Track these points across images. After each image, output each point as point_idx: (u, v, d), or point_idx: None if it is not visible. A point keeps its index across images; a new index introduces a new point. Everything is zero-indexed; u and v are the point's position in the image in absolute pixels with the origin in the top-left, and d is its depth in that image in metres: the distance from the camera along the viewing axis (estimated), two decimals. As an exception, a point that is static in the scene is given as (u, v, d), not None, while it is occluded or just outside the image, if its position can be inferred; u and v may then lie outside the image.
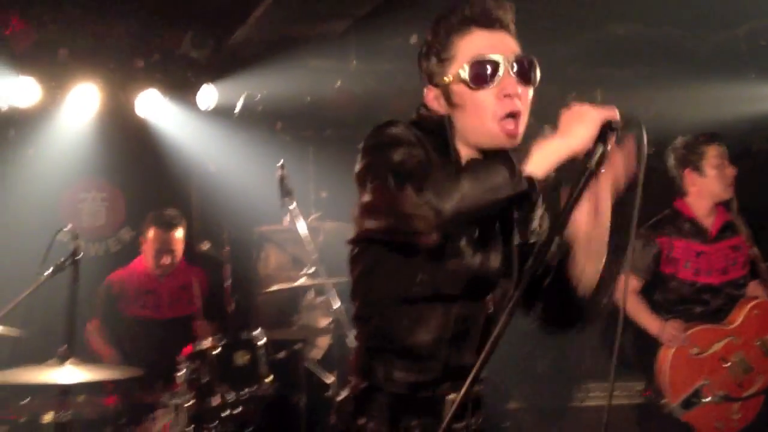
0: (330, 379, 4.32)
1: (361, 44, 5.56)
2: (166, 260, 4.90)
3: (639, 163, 1.79)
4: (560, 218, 1.78)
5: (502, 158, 1.80)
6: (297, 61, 5.48)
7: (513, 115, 1.94)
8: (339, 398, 2.14)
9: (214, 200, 5.86)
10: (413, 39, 5.46)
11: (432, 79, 2.04)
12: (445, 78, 1.99)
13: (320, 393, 4.45)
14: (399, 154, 1.84)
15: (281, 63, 5.37)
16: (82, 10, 5.06)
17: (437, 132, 2.01)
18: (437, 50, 2.01)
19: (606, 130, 1.76)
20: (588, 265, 1.99)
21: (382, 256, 2.00)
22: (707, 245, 4.07)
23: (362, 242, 2.06)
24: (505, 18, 1.99)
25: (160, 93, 5.56)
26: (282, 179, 4.22)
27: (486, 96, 1.95)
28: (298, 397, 4.44)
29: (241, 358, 4.05)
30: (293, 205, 4.22)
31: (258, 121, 5.86)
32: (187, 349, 4.07)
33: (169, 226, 4.90)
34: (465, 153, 2.02)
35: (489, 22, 1.98)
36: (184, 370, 3.94)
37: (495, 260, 2.04)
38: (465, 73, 1.95)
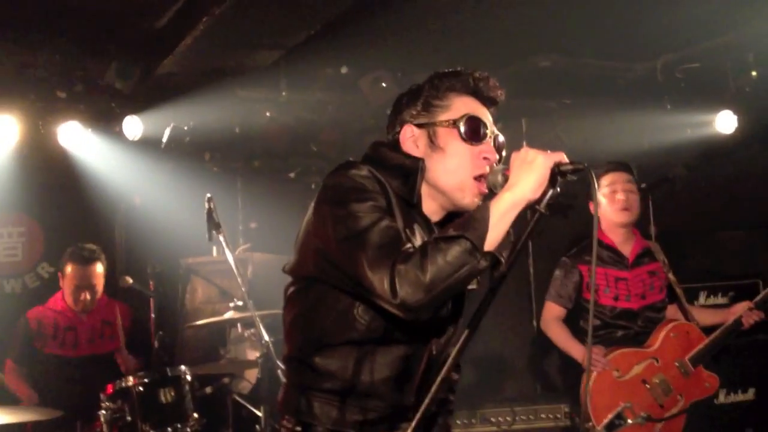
0: (260, 412, 4.24)
1: (291, 75, 5.55)
2: (86, 296, 4.76)
3: (593, 204, 1.98)
4: (508, 261, 1.89)
5: (463, 236, 1.81)
6: (226, 92, 5.44)
7: (484, 177, 2.04)
8: None
9: (140, 233, 5.75)
10: (344, 69, 5.48)
11: (412, 120, 2.11)
12: (435, 120, 2.07)
13: (248, 427, 4.37)
14: (366, 215, 1.87)
15: (210, 93, 5.32)
16: (0, 39, 4.93)
17: (404, 174, 2.04)
18: (429, 96, 2.11)
19: (555, 174, 1.86)
20: None
21: (329, 296, 1.98)
22: (626, 271, 4.18)
23: (305, 280, 2.04)
24: (498, 101, 2.16)
25: (83, 124, 5.43)
26: (210, 212, 4.17)
27: (468, 150, 2.05)
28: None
29: (166, 395, 3.94)
30: (222, 238, 4.17)
31: (186, 153, 5.76)
32: (110, 388, 3.95)
33: (87, 260, 4.76)
34: (426, 202, 2.08)
35: (485, 99, 2.14)
36: (106, 410, 3.82)
37: (446, 306, 2.06)
38: (461, 122, 2.05)
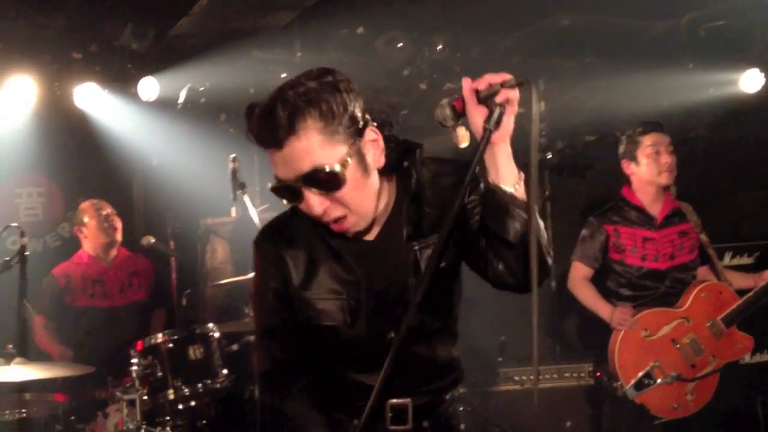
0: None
1: (305, 35, 5.50)
2: (110, 236, 4.89)
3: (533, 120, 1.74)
4: (465, 184, 1.77)
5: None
6: (241, 53, 5.40)
7: (333, 222, 1.88)
8: None
9: (158, 194, 5.79)
10: (360, 30, 5.43)
11: None
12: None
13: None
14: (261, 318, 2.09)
15: (225, 54, 5.28)
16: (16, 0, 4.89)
17: None
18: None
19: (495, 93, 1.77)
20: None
21: None
22: (653, 231, 4.16)
23: None
24: (279, 137, 1.79)
25: (99, 85, 5.41)
26: (234, 172, 4.19)
27: (304, 207, 1.88)
28: (252, 389, 4.40)
29: (195, 351, 4.01)
30: (247, 198, 4.18)
31: (201, 113, 5.73)
32: (140, 344, 3.99)
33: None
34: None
35: (267, 145, 1.83)
36: (137, 366, 3.86)
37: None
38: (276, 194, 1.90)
